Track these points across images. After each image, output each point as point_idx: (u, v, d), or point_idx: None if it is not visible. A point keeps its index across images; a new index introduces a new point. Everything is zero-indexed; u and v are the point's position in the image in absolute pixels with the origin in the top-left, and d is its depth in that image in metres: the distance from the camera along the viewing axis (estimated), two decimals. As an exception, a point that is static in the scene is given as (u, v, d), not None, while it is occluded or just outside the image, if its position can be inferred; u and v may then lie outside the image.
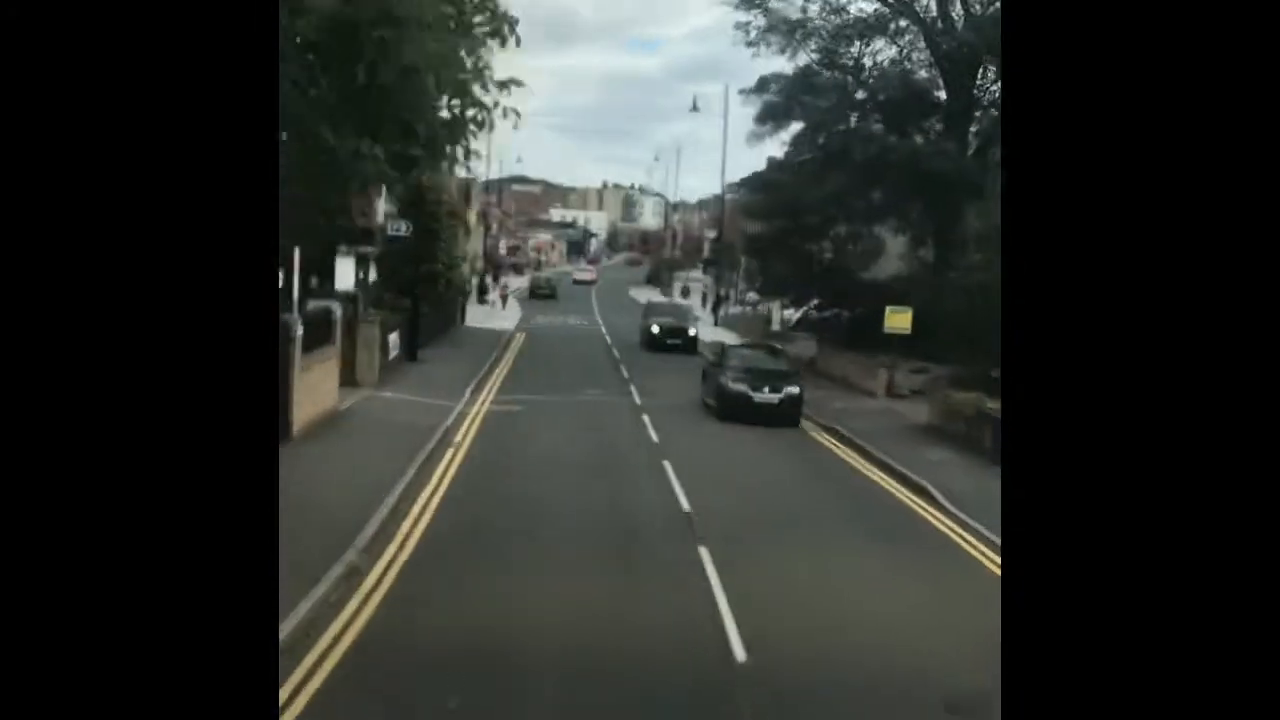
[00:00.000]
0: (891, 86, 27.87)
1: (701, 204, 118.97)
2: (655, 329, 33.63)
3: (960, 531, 12.36)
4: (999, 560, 10.24)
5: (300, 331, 15.15)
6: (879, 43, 28.65)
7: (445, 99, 7.83)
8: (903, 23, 28.18)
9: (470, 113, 7.56)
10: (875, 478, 15.80)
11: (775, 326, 37.03)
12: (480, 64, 8.52)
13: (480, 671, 7.39)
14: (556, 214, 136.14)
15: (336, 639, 7.70)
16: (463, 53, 8.77)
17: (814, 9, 28.25)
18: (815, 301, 30.86)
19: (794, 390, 20.15)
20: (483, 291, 51.68)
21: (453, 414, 18.46)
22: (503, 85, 9.24)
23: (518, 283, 66.12)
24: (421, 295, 27.87)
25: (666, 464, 15.30)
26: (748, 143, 32.68)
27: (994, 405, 16.17)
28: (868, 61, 29.05)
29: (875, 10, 28.15)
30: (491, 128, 7.97)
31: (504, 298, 51.65)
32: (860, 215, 28.78)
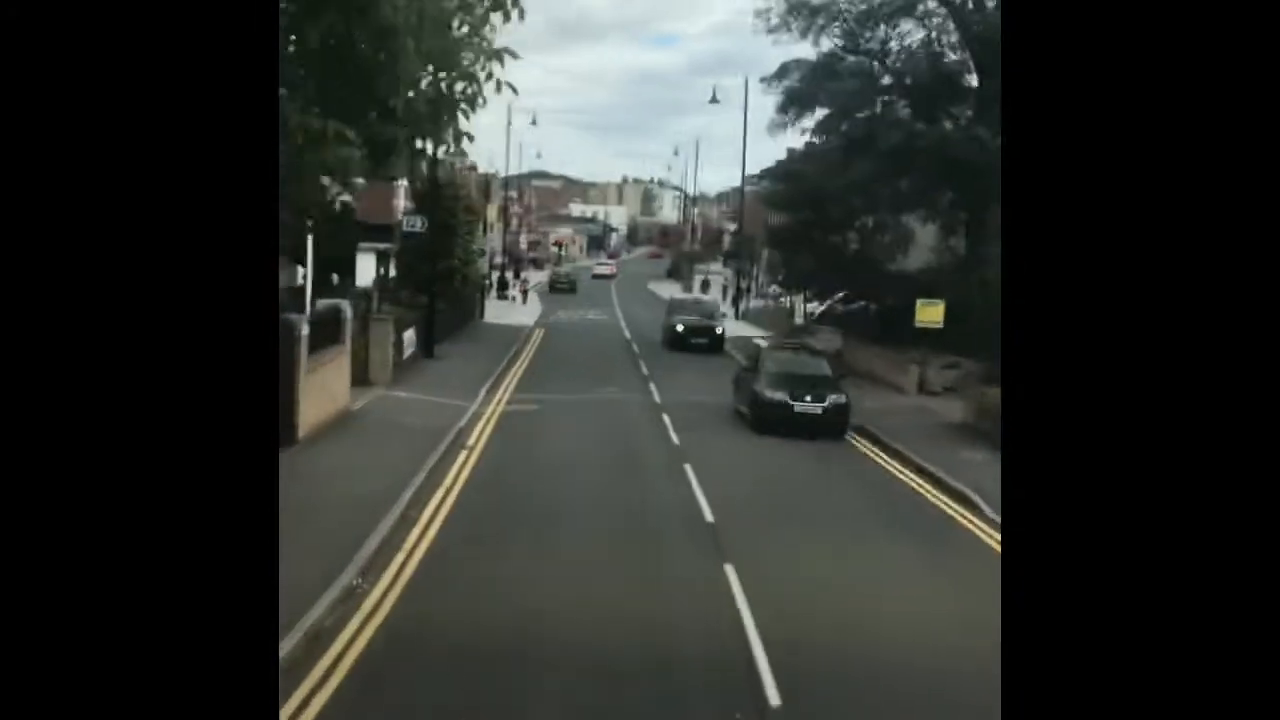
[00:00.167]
0: (919, 70, 26.89)
1: (720, 197, 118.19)
2: (679, 327, 31.79)
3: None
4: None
5: (306, 331, 14.50)
6: (906, 25, 27.61)
7: (429, 70, 6.68)
8: (931, 4, 27.14)
9: (460, 87, 6.48)
10: (912, 483, 14.98)
11: (798, 320, 36.18)
12: (474, 33, 7.19)
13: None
14: (576, 209, 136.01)
15: (339, 657, 7.04)
16: (455, 22, 7.41)
17: (838, -8, 27.32)
18: (840, 294, 29.99)
19: (839, 399, 18.11)
20: (503, 287, 51.32)
21: (467, 414, 17.82)
22: (494, 56, 7.67)
23: (538, 277, 65.74)
24: (439, 291, 27.35)
25: (688, 467, 14.60)
26: (769, 132, 31.89)
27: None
28: (894, 45, 28.06)
29: (902, -9, 27.19)
30: (484, 104, 7.00)
31: (524, 293, 51.21)
32: (887, 204, 27.78)
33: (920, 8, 27.24)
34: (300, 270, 23.09)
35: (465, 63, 6.36)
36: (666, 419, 18.83)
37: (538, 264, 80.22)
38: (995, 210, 23.47)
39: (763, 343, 20.77)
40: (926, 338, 22.61)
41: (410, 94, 6.34)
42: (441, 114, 6.69)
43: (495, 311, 41.25)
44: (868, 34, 27.78)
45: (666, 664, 7.63)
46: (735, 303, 47.34)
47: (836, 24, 27.52)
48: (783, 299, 40.71)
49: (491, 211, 58.04)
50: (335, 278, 29.42)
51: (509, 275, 55.58)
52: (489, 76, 6.41)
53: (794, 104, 28.25)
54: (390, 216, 32.30)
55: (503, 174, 61.91)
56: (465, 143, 7.16)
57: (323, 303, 18.18)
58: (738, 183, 56.90)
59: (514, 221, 75.36)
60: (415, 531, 10.74)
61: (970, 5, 26.55)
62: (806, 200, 28.59)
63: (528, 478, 13.99)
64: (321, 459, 13.32)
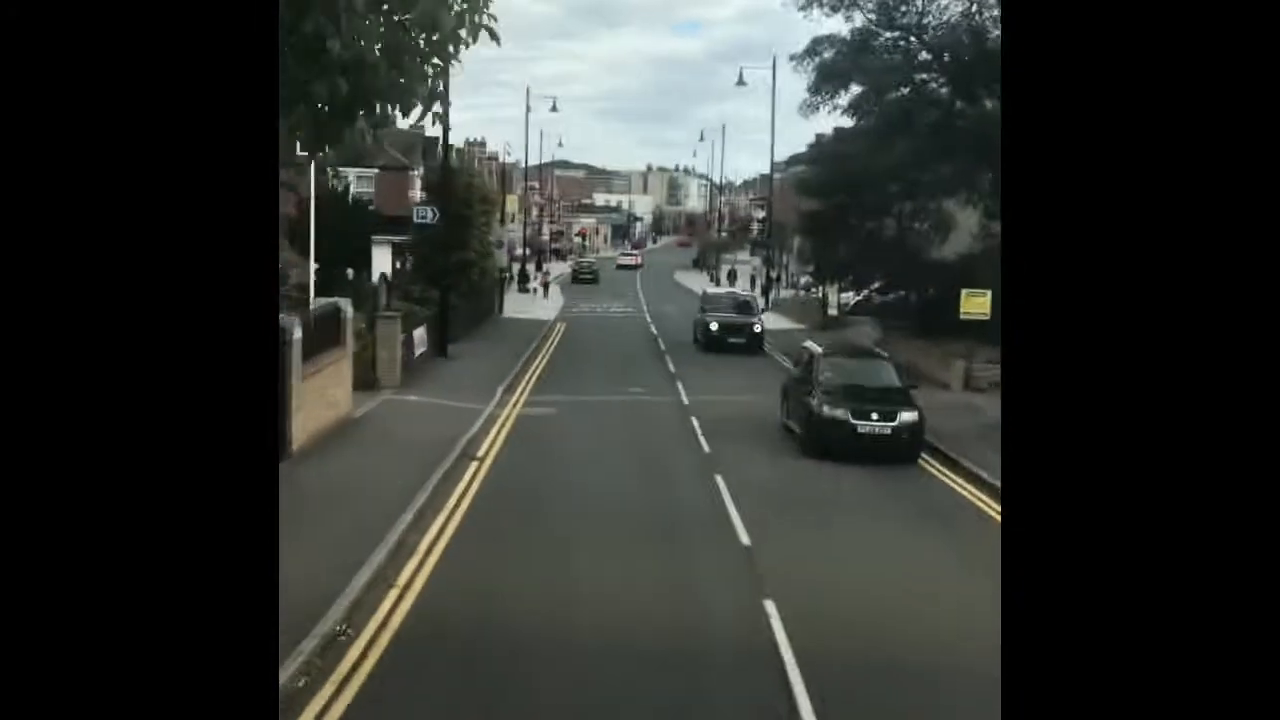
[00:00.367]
0: (959, 45, 25.26)
1: (748, 185, 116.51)
2: (713, 326, 28.63)
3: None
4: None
5: (298, 334, 13.27)
6: (945, -2, 25.99)
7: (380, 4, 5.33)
8: (973, -26, 25.48)
9: (421, 34, 5.11)
10: (967, 494, 13.56)
11: (832, 311, 34.67)
12: None
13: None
14: (600, 198, 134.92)
15: None
16: None
17: (872, -37, 25.71)
18: (877, 284, 28.49)
19: (911, 417, 15.03)
20: (524, 279, 50.15)
21: (479, 420, 16.57)
22: None
23: (560, 269, 64.69)
24: (454, 285, 26.11)
25: (719, 478, 13.29)
26: (800, 113, 30.35)
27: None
28: (931, 19, 26.41)
29: (942, -39, 25.55)
30: (457, 51, 5.59)
31: (545, 285, 50.03)
32: (926, 188, 26.27)
33: (961, -23, 25.60)
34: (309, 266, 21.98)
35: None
36: (695, 422, 17.51)
37: (560, 255, 79.17)
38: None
39: (813, 345, 17.77)
40: (971, 330, 21.09)
41: (358, 38, 5.03)
42: (403, 63, 5.36)
43: (515, 305, 40.15)
44: (904, 7, 26.18)
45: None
46: (765, 293, 45.87)
47: (871, -2, 25.96)
48: (814, 289, 39.20)
49: (512, 202, 56.98)
50: (350, 272, 28.27)
51: (530, 267, 54.48)
52: (463, 23, 5.05)
53: (827, 82, 26.72)
54: (407, 207, 31.09)
55: (523, 163, 60.69)
56: (439, 107, 5.75)
57: (321, 302, 16.99)
58: (766, 169, 55.40)
59: (535, 212, 74.25)
60: (412, 563, 9.48)
61: (1015, -27, 24.89)
62: (841, 184, 27.13)
63: (542, 494, 12.69)
64: (313, 475, 12.08)
